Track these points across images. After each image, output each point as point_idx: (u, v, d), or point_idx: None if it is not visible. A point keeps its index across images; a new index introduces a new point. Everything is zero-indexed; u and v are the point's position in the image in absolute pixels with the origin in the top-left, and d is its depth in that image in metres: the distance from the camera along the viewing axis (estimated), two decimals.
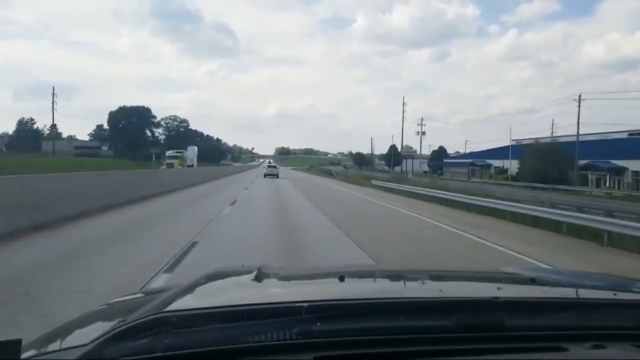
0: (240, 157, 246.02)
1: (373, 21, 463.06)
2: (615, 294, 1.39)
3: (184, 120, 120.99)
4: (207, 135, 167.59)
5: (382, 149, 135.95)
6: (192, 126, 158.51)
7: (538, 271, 1.94)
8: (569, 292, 1.49)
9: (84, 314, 1.39)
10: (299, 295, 1.28)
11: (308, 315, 0.99)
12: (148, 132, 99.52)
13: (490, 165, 69.21)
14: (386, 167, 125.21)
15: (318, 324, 0.98)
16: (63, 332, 1.17)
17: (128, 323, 0.98)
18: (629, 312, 1.21)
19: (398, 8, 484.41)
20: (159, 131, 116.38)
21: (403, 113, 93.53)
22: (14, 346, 0.88)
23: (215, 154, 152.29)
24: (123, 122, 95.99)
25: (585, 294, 1.47)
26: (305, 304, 1.01)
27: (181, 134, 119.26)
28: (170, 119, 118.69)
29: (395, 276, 1.87)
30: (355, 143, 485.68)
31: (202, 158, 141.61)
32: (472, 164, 71.80)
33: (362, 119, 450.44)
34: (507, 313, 1.07)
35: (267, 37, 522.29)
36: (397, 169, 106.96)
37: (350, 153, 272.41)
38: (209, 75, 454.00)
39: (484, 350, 0.99)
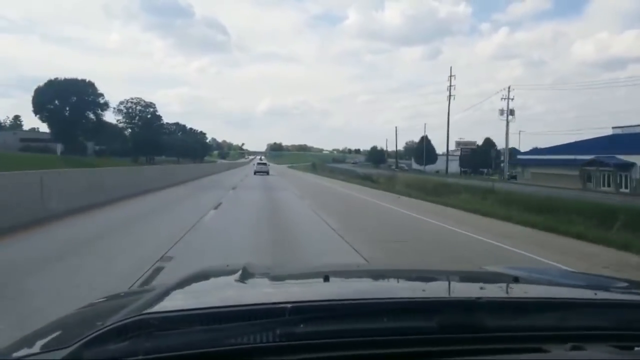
0: (228, 153, 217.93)
1: (365, 18, 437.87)
2: (595, 294, 1.36)
3: (150, 105, 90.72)
4: (191, 128, 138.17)
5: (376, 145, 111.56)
6: (183, 122, 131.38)
7: (521, 270, 1.78)
8: (551, 292, 1.46)
9: (65, 315, 1.31)
10: (282, 296, 1.24)
11: (291, 317, 0.95)
12: (92, 116, 69.30)
13: (630, 165, 40.31)
14: (404, 166, 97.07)
15: (301, 325, 0.94)
16: (44, 333, 1.12)
17: (109, 325, 0.94)
18: (609, 312, 1.17)
19: (390, 5, 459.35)
20: (119, 118, 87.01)
21: (450, 90, 64.51)
22: None
23: (198, 149, 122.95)
24: (56, 101, 66.00)
25: (566, 293, 1.45)
26: (289, 305, 0.98)
27: (147, 121, 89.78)
28: (132, 102, 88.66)
29: (380, 276, 1.81)
30: (350, 139, 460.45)
31: (183, 154, 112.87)
32: (591, 163, 42.86)
33: (355, 115, 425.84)
34: (489, 313, 1.04)
35: (259, 33, 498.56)
36: (429, 167, 78.85)
37: (347, 149, 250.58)
38: (200, 71, 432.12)
39: (466, 351, 0.95)
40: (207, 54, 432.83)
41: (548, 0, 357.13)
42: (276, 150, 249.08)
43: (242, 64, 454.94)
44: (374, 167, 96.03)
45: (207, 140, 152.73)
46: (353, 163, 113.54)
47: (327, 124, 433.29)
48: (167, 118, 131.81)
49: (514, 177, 57.11)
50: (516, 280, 1.43)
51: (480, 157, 76.23)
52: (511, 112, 50.98)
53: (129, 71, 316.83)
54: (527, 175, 53.30)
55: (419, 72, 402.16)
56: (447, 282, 1.67)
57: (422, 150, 78.80)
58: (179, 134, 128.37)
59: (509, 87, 52.79)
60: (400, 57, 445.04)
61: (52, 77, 66.60)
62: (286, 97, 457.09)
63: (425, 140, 78.80)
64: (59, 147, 62.78)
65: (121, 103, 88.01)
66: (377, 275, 1.84)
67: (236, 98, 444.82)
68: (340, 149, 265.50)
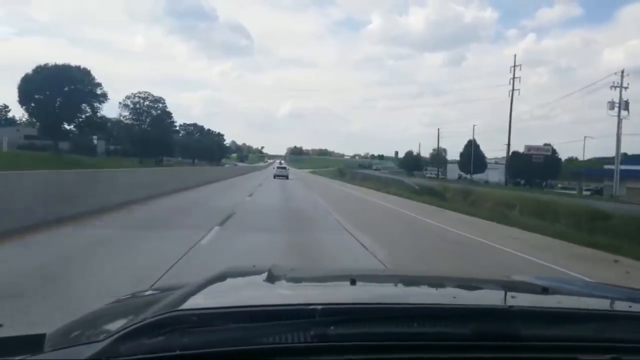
0: (247, 156, 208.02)
1: (388, 23, 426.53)
2: (630, 306, 1.30)
3: (159, 100, 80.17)
4: (209, 130, 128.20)
5: (401, 153, 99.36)
6: (204, 125, 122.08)
7: (550, 280, 1.74)
8: (584, 303, 1.42)
9: (97, 309, 1.32)
10: (312, 298, 1.24)
11: (322, 318, 0.93)
12: (87, 109, 58.86)
13: None
14: (461, 174, 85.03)
15: (332, 327, 0.93)
16: (77, 327, 1.11)
17: (144, 320, 0.93)
18: None
19: (414, 10, 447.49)
20: (125, 114, 76.93)
21: (512, 83, 52.41)
22: (39, 340, 0.88)
23: (215, 151, 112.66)
24: (47, 91, 55.60)
25: (600, 304, 1.41)
26: (320, 307, 0.96)
27: (156, 118, 79.40)
28: (139, 97, 78.46)
29: (406, 281, 1.77)
30: (371, 145, 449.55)
31: (199, 156, 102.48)
32: None
33: (376, 121, 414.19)
34: (523, 322, 1.01)
35: (281, 37, 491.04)
36: (476, 176, 66.70)
37: (368, 154, 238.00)
38: (223, 74, 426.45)
39: (500, 359, 0.94)
40: (230, 58, 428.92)
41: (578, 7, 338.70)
42: (297, 154, 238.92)
43: (264, 68, 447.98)
44: (407, 174, 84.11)
45: (225, 142, 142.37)
46: (375, 169, 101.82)
47: (347, 129, 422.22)
48: (189, 121, 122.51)
49: (598, 192, 44.73)
50: (545, 290, 1.40)
51: (533, 166, 63.81)
52: (626, 107, 36.38)
53: (152, 74, 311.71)
54: (622, 191, 40.89)
55: (442, 79, 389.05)
56: (477, 290, 1.64)
57: (468, 156, 66.54)
58: (196, 135, 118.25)
59: (622, 72, 38.86)
60: (423, 63, 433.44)
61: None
62: (307, 102, 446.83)
63: (473, 145, 66.50)
64: (4, 142, 52.48)
65: (127, 97, 77.79)
66: (405, 280, 1.80)
67: (257, 102, 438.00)
68: (362, 154, 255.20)
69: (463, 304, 1.18)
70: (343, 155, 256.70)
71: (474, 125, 69.41)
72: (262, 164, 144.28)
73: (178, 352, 0.84)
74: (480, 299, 1.46)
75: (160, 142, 75.15)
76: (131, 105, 78.24)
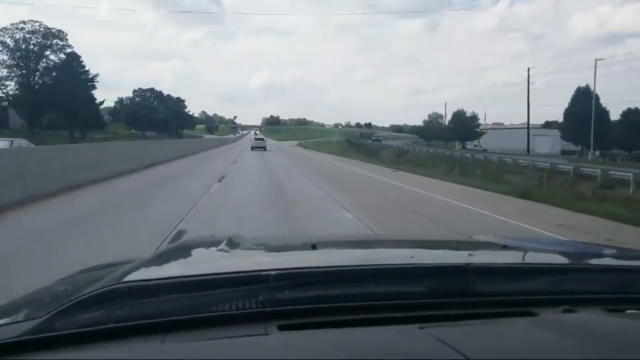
0: (217, 126, 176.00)
1: None
2: (586, 260, 1.35)
3: (58, 34, 48.55)
4: (168, 95, 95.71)
5: (387, 121, 71.69)
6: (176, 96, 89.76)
7: (510, 239, 1.72)
8: (541, 258, 1.40)
9: (41, 287, 1.22)
10: (268, 264, 1.15)
11: (275, 283, 0.89)
12: None
13: None
14: (475, 145, 57.10)
15: (286, 292, 0.89)
16: (16, 306, 1.03)
17: (83, 295, 0.88)
18: (600, 277, 1.14)
19: None
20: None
21: None
22: None
23: (172, 121, 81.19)
24: None
25: (557, 259, 1.42)
26: (273, 272, 0.91)
27: (56, 66, 48.14)
28: (24, 30, 46.48)
29: (369, 245, 1.78)
30: (351, 114, 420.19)
31: (153, 127, 70.59)
32: None
33: (355, 90, 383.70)
34: (479, 279, 1.00)
35: (254, 4, 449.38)
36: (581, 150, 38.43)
37: (349, 123, 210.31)
38: (193, 44, 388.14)
39: (455, 316, 0.91)
40: (200, 26, 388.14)
41: None
42: (273, 125, 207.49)
43: (237, 37, 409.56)
44: (427, 144, 55.79)
45: (188, 110, 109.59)
46: (374, 140, 77.00)
47: (325, 98, 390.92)
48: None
49: None
50: (505, 247, 1.40)
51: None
52: None
53: (118, 44, 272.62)
54: None
55: (419, 46, 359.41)
56: (436, 250, 1.64)
57: (581, 115, 37.72)
58: (154, 102, 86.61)
59: None
60: (400, 30, 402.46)
61: None
62: (283, 72, 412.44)
63: (594, 100, 37.42)
64: None
65: (2, 30, 45.92)
66: (366, 244, 1.79)
67: (230, 72, 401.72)
68: (343, 124, 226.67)
69: (419, 263, 1.15)
70: (323, 125, 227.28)
71: (596, 60, 37.26)
72: (231, 136, 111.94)
73: (112, 325, 0.79)
74: (438, 258, 1.44)
75: (69, 106, 44.27)
76: (11, 44, 46.53)
